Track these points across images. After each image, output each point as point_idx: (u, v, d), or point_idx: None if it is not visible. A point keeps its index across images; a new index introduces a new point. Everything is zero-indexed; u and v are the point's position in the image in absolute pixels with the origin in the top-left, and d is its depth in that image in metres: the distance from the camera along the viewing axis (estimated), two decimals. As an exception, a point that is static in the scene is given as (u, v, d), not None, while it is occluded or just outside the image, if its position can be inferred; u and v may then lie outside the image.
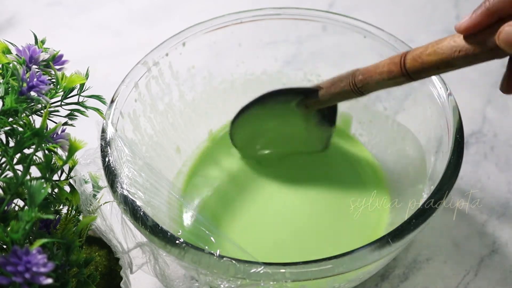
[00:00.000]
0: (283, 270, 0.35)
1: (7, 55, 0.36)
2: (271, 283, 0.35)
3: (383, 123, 0.54)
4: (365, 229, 0.49)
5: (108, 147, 0.41)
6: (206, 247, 0.38)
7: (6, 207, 0.32)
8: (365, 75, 0.45)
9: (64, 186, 0.38)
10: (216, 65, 0.56)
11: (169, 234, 0.37)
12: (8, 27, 0.76)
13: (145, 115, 0.50)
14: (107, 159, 0.41)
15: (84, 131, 0.38)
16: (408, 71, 0.41)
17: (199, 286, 0.38)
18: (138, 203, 0.38)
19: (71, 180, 0.38)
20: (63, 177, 0.38)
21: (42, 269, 0.28)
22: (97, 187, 0.41)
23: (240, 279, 0.35)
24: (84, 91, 0.38)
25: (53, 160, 0.34)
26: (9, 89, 0.34)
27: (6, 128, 0.33)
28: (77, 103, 0.38)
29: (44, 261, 0.28)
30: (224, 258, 0.35)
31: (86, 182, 0.40)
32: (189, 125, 0.55)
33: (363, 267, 0.36)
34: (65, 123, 0.37)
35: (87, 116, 0.38)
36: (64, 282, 0.33)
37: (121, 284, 0.41)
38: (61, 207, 0.38)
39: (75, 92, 0.38)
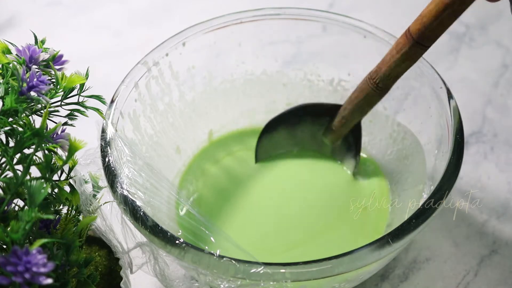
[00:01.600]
0: (283, 270, 0.35)
1: (7, 55, 0.36)
2: (271, 283, 0.35)
3: (383, 123, 0.54)
4: (365, 229, 0.49)
5: (108, 147, 0.41)
6: (206, 247, 0.38)
7: (6, 207, 0.32)
8: (378, 68, 0.46)
9: (64, 186, 0.38)
10: (216, 65, 0.56)
11: (169, 234, 0.37)
12: (8, 27, 0.76)
13: (145, 115, 0.50)
14: (107, 159, 0.41)
15: (84, 131, 0.38)
16: (414, 36, 0.42)
17: (199, 286, 0.39)
18: (138, 203, 0.39)
19: (71, 180, 0.38)
20: (63, 177, 0.38)
21: (42, 269, 0.28)
22: (97, 187, 0.41)
23: (240, 279, 0.35)
24: (84, 91, 0.38)
25: (53, 160, 0.34)
26: (9, 89, 0.34)
27: (6, 128, 0.33)
28: (77, 103, 0.38)
29: (44, 261, 0.28)
30: (224, 258, 0.35)
31: (86, 182, 0.40)
32: (189, 125, 0.56)
33: (363, 267, 0.36)
34: (65, 123, 0.37)
35: (87, 116, 0.38)
36: (64, 282, 0.33)
37: (121, 284, 0.41)
38: (61, 207, 0.38)
39: (75, 92, 0.38)
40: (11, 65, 0.35)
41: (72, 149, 0.34)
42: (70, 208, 0.38)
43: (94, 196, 0.40)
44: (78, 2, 0.81)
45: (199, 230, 0.44)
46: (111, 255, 0.43)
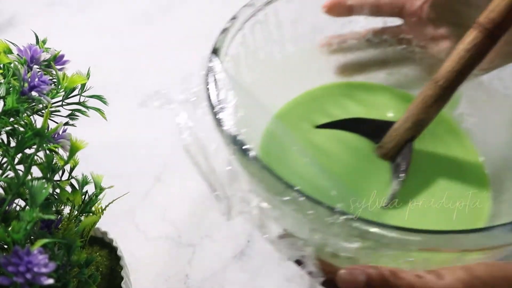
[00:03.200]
0: (415, 238, 0.30)
1: (9, 55, 0.36)
2: (396, 251, 0.30)
3: (501, 104, 0.47)
4: (463, 213, 0.43)
5: (214, 83, 0.38)
6: (338, 205, 0.31)
7: (7, 207, 0.32)
8: (441, 68, 0.43)
9: (66, 186, 0.38)
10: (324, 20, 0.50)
11: (284, 181, 0.31)
12: (9, 27, 0.76)
13: (246, 62, 0.46)
14: (214, 95, 0.37)
15: (85, 131, 0.38)
16: (483, 23, 0.40)
17: (302, 243, 0.32)
18: (248, 145, 0.34)
19: (72, 180, 0.38)
20: (65, 177, 0.38)
21: (43, 270, 0.28)
22: (99, 188, 0.41)
23: (361, 241, 0.30)
24: (85, 91, 0.38)
25: (54, 160, 0.34)
26: (11, 89, 0.34)
27: (8, 128, 0.34)
28: (78, 103, 0.38)
29: (45, 261, 0.28)
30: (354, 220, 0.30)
31: (88, 182, 0.40)
32: (288, 79, 0.51)
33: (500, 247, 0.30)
34: (66, 123, 0.37)
35: (88, 116, 0.38)
36: (65, 283, 0.33)
37: (122, 284, 0.41)
38: (62, 207, 0.38)
39: (76, 92, 0.38)
40: (12, 65, 0.35)
41: (73, 149, 0.34)
42: (71, 208, 0.38)
43: (99, 194, 0.40)
44: (78, 2, 0.81)
45: (318, 180, 0.39)
46: (112, 255, 0.43)
